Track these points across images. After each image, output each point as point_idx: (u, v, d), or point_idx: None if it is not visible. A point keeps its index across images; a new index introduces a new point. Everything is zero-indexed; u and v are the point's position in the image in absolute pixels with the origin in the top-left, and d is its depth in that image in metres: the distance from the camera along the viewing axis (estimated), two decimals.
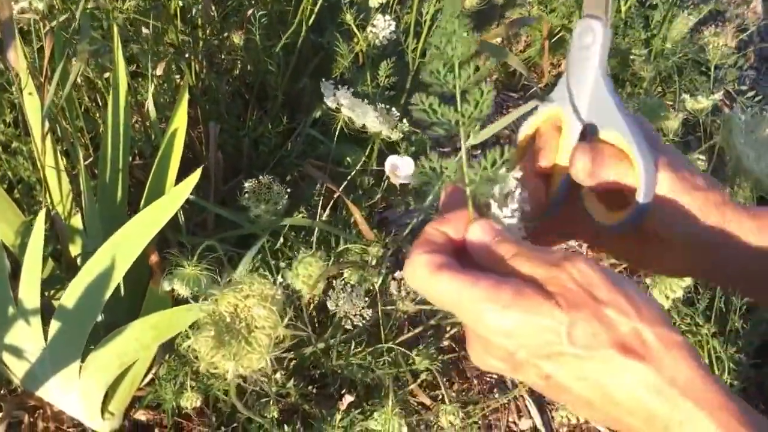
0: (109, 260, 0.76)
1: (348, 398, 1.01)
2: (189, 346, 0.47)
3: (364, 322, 1.05)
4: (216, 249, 0.75)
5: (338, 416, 1.02)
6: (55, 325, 0.86)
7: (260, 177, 0.98)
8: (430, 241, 0.41)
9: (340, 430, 1.02)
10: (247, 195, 0.97)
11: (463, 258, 0.42)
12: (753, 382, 1.36)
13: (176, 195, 0.73)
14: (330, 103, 1.06)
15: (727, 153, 0.77)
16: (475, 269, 0.40)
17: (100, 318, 1.10)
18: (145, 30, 1.16)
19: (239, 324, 0.47)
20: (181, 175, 1.39)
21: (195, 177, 0.73)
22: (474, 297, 0.39)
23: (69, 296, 0.80)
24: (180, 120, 0.93)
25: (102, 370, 0.92)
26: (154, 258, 0.82)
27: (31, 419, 1.16)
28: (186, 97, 0.93)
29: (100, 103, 1.29)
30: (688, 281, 0.94)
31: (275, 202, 0.97)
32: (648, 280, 0.97)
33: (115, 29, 0.91)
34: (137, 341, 0.83)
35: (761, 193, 0.73)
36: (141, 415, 1.17)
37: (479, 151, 1.72)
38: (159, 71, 1.16)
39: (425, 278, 0.40)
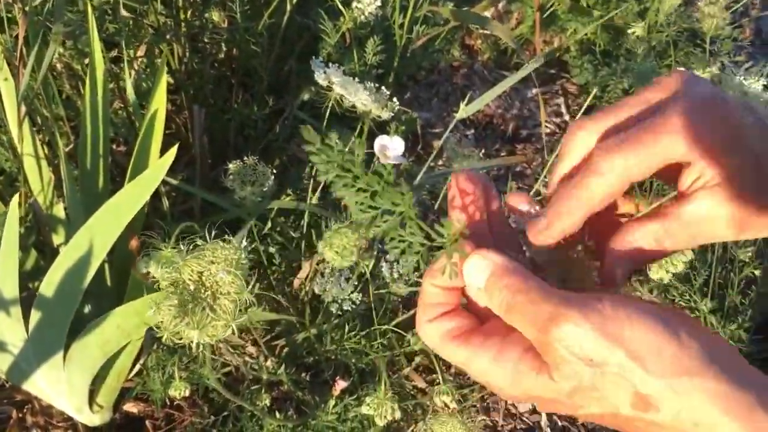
0: (87, 246, 0.73)
1: (341, 383, 0.99)
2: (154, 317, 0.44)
3: (354, 306, 1.02)
4: (199, 233, 0.73)
5: (332, 402, 1.00)
6: (35, 316, 0.84)
7: (245, 158, 0.96)
8: (429, 304, 0.41)
9: (334, 416, 1.00)
10: (231, 177, 0.94)
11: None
12: (755, 358, 1.33)
13: (151, 176, 0.71)
14: (321, 81, 1.03)
15: None
16: (479, 331, 0.40)
17: (87, 309, 1.08)
18: (124, 12, 1.13)
19: (204, 292, 0.45)
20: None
21: (170, 156, 0.70)
22: (480, 369, 0.39)
23: (47, 285, 0.78)
24: (159, 101, 0.90)
25: (86, 361, 0.89)
26: (134, 243, 0.79)
27: (20, 414, 1.14)
28: (164, 77, 0.90)
29: (81, 91, 1.26)
30: (689, 255, 0.92)
31: (261, 183, 0.94)
32: None
33: (90, 8, 0.88)
34: (119, 329, 0.81)
35: None
36: (131, 407, 1.14)
37: (472, 131, 1.70)
38: (140, 53, 1.13)
39: (437, 347, 0.41)
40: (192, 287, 0.48)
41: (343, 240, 0.82)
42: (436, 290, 0.40)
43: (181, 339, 0.46)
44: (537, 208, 0.45)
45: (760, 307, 1.39)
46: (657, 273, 0.90)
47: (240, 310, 0.49)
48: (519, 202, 0.46)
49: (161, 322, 0.46)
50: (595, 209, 0.41)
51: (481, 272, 0.39)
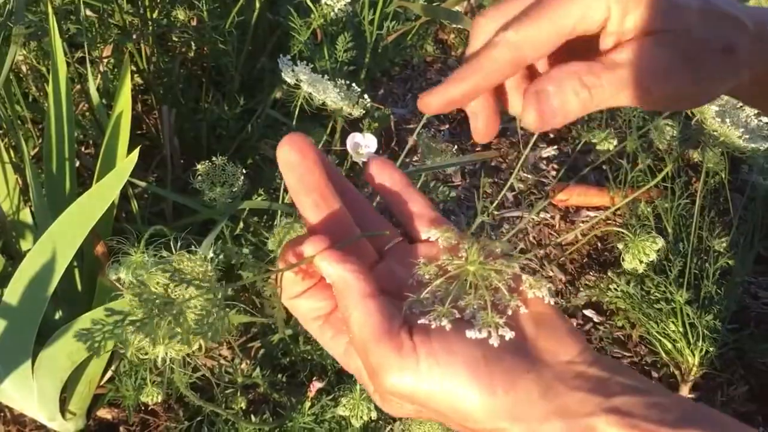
0: (50, 252, 0.71)
1: (317, 384, 0.98)
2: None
3: None
4: (170, 235, 0.71)
5: (308, 404, 0.99)
6: (1, 324, 0.82)
7: (214, 159, 0.94)
8: (289, 283, 0.41)
9: (311, 417, 0.99)
10: (200, 178, 0.93)
11: None
12: (731, 347, 1.34)
13: (114, 178, 0.69)
14: (289, 79, 1.02)
15: (693, 114, 0.75)
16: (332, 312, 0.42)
17: (58, 315, 1.06)
18: (88, 12, 1.10)
19: (170, 306, 0.43)
20: (139, 162, 1.35)
21: (133, 158, 0.69)
22: (325, 345, 0.41)
23: (11, 293, 0.76)
24: (124, 102, 0.88)
25: (55, 370, 0.87)
26: (99, 248, 0.77)
27: None
28: (129, 77, 0.88)
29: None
30: (660, 244, 0.92)
31: (230, 184, 0.93)
32: (621, 245, 0.95)
33: (50, 8, 0.86)
34: (86, 337, 0.79)
35: (727, 150, 0.70)
36: (105, 414, 1.13)
37: (446, 126, 1.69)
38: (106, 53, 1.11)
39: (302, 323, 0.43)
40: (157, 301, 0.46)
41: (291, 235, 0.81)
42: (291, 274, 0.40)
43: (146, 354, 0.45)
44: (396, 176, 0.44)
45: (736, 297, 1.40)
46: (630, 263, 0.90)
47: (208, 325, 0.48)
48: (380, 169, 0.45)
49: (125, 338, 0.45)
50: (490, 80, 0.40)
51: (326, 274, 0.38)
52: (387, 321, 0.37)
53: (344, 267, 0.37)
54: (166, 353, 0.42)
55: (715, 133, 0.70)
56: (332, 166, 0.43)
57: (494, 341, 0.36)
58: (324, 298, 0.40)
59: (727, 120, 0.69)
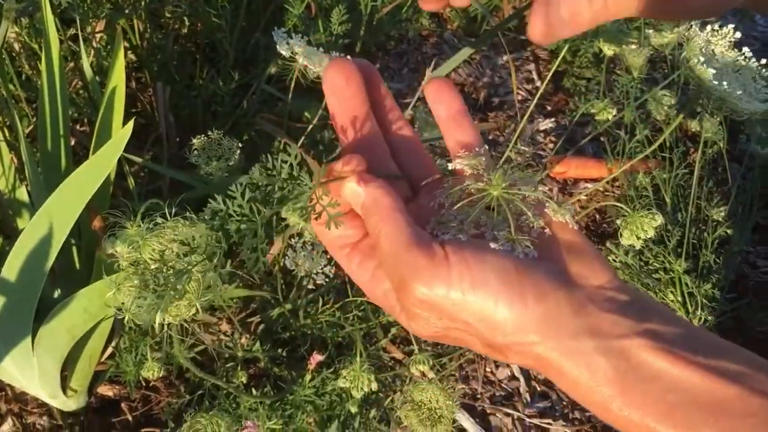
0: (47, 227, 0.71)
1: (317, 357, 0.98)
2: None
3: (327, 279, 1.01)
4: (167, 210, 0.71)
5: (308, 377, 0.99)
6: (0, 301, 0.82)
7: (210, 133, 0.94)
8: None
9: (311, 390, 0.99)
10: (196, 152, 0.92)
11: None
12: (730, 316, 1.35)
13: (109, 151, 0.69)
14: (284, 51, 1.01)
15: (689, 77, 0.74)
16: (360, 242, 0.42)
17: (57, 293, 1.06)
18: None
19: (166, 271, 0.43)
20: (134, 140, 1.34)
21: (128, 130, 0.68)
22: (351, 274, 0.42)
23: (9, 269, 0.76)
24: (118, 77, 0.87)
25: (55, 345, 0.87)
26: (97, 223, 0.77)
27: None
28: (122, 52, 0.88)
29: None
30: (659, 221, 0.91)
31: (226, 158, 0.93)
32: (619, 221, 0.95)
33: None
34: (86, 311, 0.79)
35: (725, 113, 0.70)
36: (106, 390, 1.13)
37: None
38: (99, 29, 1.10)
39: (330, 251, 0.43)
40: (153, 266, 0.46)
41: (298, 205, 0.81)
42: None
43: (142, 321, 0.45)
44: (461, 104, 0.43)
45: (734, 266, 1.40)
46: (628, 239, 0.90)
47: (205, 289, 0.48)
48: (439, 91, 0.44)
49: (123, 303, 0.45)
50: None
51: (355, 199, 0.38)
52: (417, 232, 0.36)
53: (374, 185, 0.37)
54: (163, 318, 0.42)
55: (714, 92, 0.69)
56: (386, 95, 0.43)
57: (519, 254, 0.36)
58: (354, 227, 0.40)
59: (725, 83, 0.68)
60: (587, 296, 0.35)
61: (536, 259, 0.36)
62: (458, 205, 0.39)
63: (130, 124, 0.68)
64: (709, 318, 1.32)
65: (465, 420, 1.20)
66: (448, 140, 0.43)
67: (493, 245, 0.36)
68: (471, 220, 0.38)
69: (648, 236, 0.91)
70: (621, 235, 0.92)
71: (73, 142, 1.19)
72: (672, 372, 0.33)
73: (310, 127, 1.17)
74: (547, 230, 0.38)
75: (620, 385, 0.34)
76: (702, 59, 0.68)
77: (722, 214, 1.44)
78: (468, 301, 0.34)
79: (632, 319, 0.35)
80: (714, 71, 0.69)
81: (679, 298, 1.32)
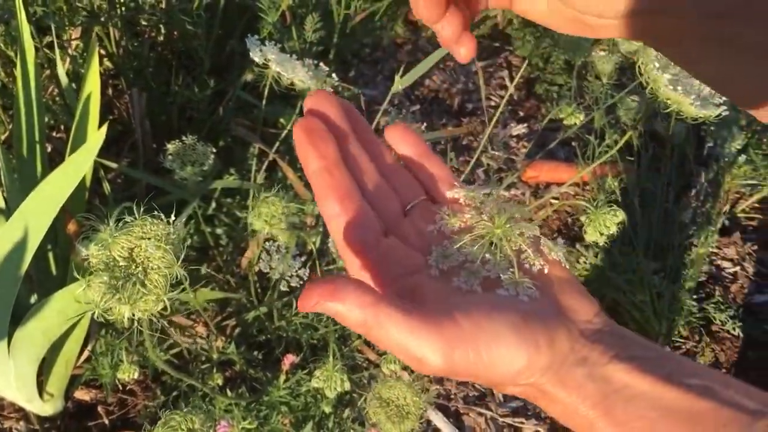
0: (21, 232, 0.72)
1: (291, 358, 1.00)
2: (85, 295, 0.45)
3: (302, 282, 1.03)
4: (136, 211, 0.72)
5: (282, 378, 1.01)
6: None
7: (184, 138, 0.95)
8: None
9: (286, 391, 1.01)
10: (171, 157, 0.94)
11: None
12: (697, 315, 1.38)
13: (82, 155, 0.70)
14: (257, 58, 1.03)
15: (647, 83, 0.77)
16: None
17: (33, 298, 1.06)
18: None
19: (135, 268, 0.45)
20: (111, 147, 1.35)
21: (101, 134, 0.70)
22: None
23: None
24: (93, 84, 0.89)
25: (31, 349, 0.88)
26: (71, 227, 0.78)
27: None
28: (96, 57, 0.89)
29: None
30: (620, 217, 0.94)
31: (201, 163, 0.94)
32: (583, 218, 0.97)
33: None
34: (61, 314, 0.80)
35: (681, 117, 0.73)
36: (83, 394, 1.14)
37: (417, 107, 1.71)
38: (74, 36, 1.11)
39: None
40: (122, 263, 0.48)
41: (271, 208, 0.83)
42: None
43: (113, 315, 0.47)
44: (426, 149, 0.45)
45: (702, 266, 1.44)
46: (592, 236, 0.92)
47: (172, 285, 0.49)
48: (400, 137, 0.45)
49: (92, 299, 0.46)
50: None
51: (342, 318, 0.36)
52: (418, 310, 0.35)
53: (348, 300, 0.35)
54: (132, 313, 0.44)
55: (668, 101, 0.72)
56: (363, 126, 0.44)
57: (523, 297, 0.37)
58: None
59: (679, 88, 0.71)
60: (579, 331, 0.38)
61: (536, 298, 0.38)
62: (462, 240, 0.40)
63: (104, 128, 0.70)
64: (677, 318, 1.35)
65: (439, 420, 1.22)
66: (421, 174, 0.45)
67: (500, 291, 0.38)
68: (479, 261, 0.39)
69: (611, 232, 0.94)
70: (585, 232, 0.95)
71: (49, 149, 1.20)
72: (652, 391, 0.36)
73: (285, 132, 1.19)
74: (546, 268, 0.40)
75: (603, 406, 0.36)
76: (658, 65, 0.71)
77: (689, 216, 1.48)
78: (483, 360, 0.35)
79: (616, 348, 0.37)
80: (669, 77, 0.72)
81: (648, 299, 1.35)
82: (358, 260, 0.40)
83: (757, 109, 0.39)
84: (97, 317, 0.43)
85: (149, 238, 0.45)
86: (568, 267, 0.42)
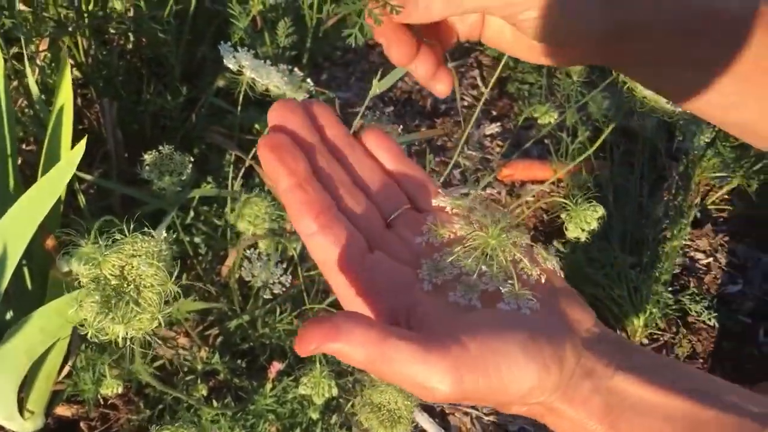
0: (0, 248, 0.71)
1: (277, 366, 0.99)
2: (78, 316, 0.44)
3: (284, 289, 1.02)
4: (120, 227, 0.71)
5: (269, 386, 1.00)
6: None
7: (161, 148, 0.94)
8: None
9: (272, 399, 1.00)
10: (148, 168, 0.92)
11: None
12: (674, 307, 1.40)
13: (61, 171, 0.69)
14: (231, 65, 1.02)
15: (621, 80, 0.78)
16: None
17: (9, 315, 1.04)
18: (22, 6, 1.08)
19: (127, 286, 0.44)
20: (83, 157, 1.33)
21: (80, 149, 0.68)
22: None
23: None
24: (65, 95, 0.87)
25: (11, 367, 0.87)
26: (50, 242, 0.77)
27: None
28: (68, 69, 0.88)
29: None
30: (600, 212, 0.95)
31: (179, 172, 0.93)
32: (563, 215, 0.98)
33: None
34: (43, 331, 0.79)
35: (657, 115, 0.74)
36: (64, 411, 1.12)
37: (391, 108, 1.71)
38: (42, 47, 1.09)
39: None
40: (114, 282, 0.47)
41: (254, 209, 0.83)
42: None
43: (106, 335, 0.46)
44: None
45: (677, 259, 1.46)
46: (573, 232, 0.93)
47: (166, 302, 0.49)
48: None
49: (85, 319, 0.46)
50: None
51: (347, 358, 0.34)
52: (420, 337, 0.34)
53: (343, 339, 0.33)
54: (126, 332, 0.43)
55: (644, 99, 0.73)
56: (339, 131, 0.43)
57: (525, 311, 0.36)
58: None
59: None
60: (583, 343, 0.37)
61: (538, 310, 0.37)
62: (455, 252, 0.38)
63: (83, 143, 0.68)
64: (654, 311, 1.37)
65: (425, 421, 1.23)
66: (400, 181, 0.44)
67: (501, 306, 0.36)
68: (475, 274, 0.38)
69: (592, 228, 0.95)
70: (566, 228, 0.96)
71: (19, 162, 1.18)
72: (657, 402, 0.36)
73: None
74: (543, 278, 0.39)
75: (610, 420, 0.36)
76: None
77: (662, 209, 1.50)
78: (493, 383, 0.34)
79: (617, 357, 0.37)
80: None
81: (625, 293, 1.37)
82: (344, 278, 0.38)
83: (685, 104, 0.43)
84: (91, 338, 0.42)
85: (140, 255, 0.45)
86: (562, 275, 0.41)
